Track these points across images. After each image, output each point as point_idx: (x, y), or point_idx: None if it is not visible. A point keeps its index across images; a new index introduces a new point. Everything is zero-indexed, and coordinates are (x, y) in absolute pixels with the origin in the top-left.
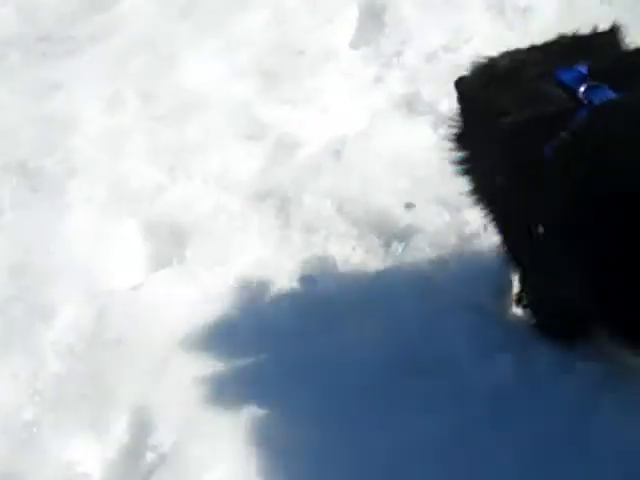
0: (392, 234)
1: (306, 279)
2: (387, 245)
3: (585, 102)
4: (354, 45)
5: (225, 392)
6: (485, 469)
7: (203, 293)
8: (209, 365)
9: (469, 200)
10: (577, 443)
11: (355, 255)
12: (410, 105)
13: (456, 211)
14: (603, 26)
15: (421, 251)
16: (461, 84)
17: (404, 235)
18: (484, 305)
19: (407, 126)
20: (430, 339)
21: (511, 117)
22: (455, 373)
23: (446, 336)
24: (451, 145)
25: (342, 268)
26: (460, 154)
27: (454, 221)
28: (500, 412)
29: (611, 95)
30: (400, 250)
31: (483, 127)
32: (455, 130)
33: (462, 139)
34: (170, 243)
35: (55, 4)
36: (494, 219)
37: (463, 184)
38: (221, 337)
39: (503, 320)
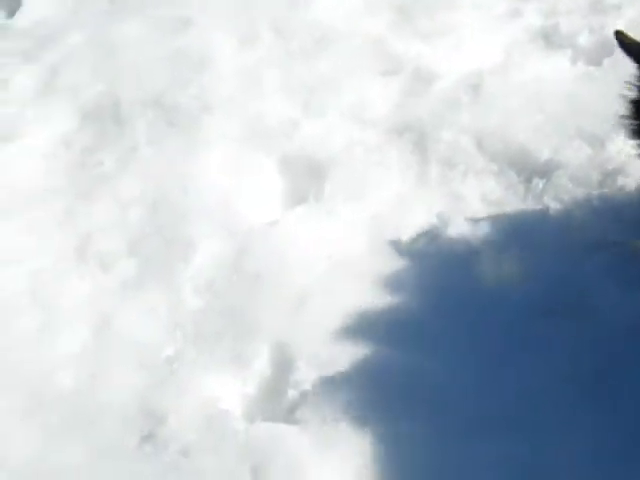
0: (532, 170)
1: (444, 215)
2: (527, 181)
3: None
4: None
5: (366, 332)
6: (632, 405)
7: (341, 229)
8: (349, 303)
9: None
10: None
11: (494, 191)
12: (548, 38)
13: (599, 146)
14: None
15: (563, 187)
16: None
17: (545, 171)
18: (626, 242)
19: (545, 59)
20: (571, 276)
21: None
22: (597, 311)
23: (587, 273)
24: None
25: (481, 204)
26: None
27: (596, 156)
28: None
29: None
30: (541, 186)
31: None
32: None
33: None
34: (307, 179)
35: None
36: None
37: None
38: (361, 275)
39: None
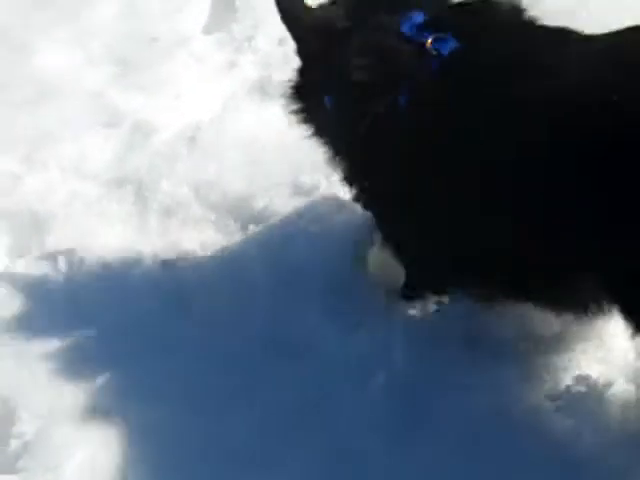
0: (249, 217)
1: (165, 263)
2: (244, 228)
3: (434, 53)
4: (207, 31)
5: (80, 379)
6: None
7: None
8: (63, 354)
9: (322, 184)
10: None
11: (212, 238)
12: (263, 89)
13: (310, 194)
14: None
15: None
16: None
17: (260, 219)
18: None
19: (260, 110)
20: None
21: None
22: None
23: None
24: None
25: (200, 251)
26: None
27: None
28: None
29: (456, 45)
30: (257, 232)
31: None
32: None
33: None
34: (29, 233)
35: None
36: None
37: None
38: (78, 323)
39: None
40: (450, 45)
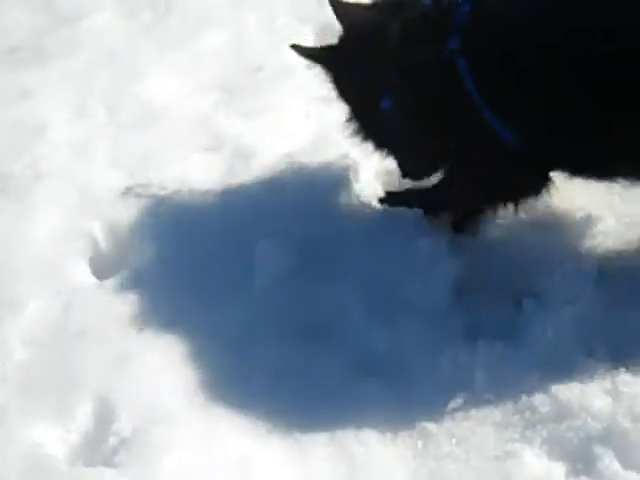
0: None
1: None
2: None
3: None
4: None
5: (177, 381)
6: None
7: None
8: (160, 356)
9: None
10: None
11: None
12: None
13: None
14: None
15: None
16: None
17: None
18: None
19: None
20: None
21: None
22: None
23: None
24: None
25: None
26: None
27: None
28: None
29: None
30: None
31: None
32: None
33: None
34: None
35: (25, 18)
36: None
37: None
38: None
39: None
40: None
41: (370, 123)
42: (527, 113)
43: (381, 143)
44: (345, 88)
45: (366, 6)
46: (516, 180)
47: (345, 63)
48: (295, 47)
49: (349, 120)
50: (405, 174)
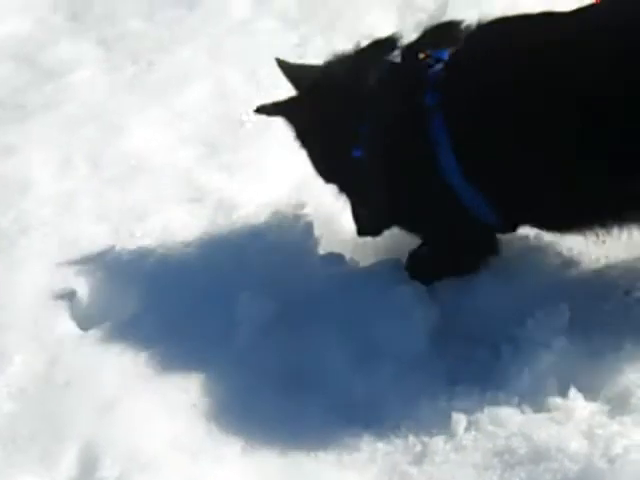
0: None
1: None
2: None
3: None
4: None
5: (161, 425)
6: None
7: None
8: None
9: None
10: None
11: None
12: None
13: None
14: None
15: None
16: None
17: None
18: None
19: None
20: None
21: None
22: None
23: None
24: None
25: None
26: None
27: None
28: None
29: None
30: None
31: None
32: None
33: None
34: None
35: (7, 74)
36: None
37: None
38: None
39: None
40: (445, 52)
41: (337, 173)
42: (504, 185)
43: (346, 192)
44: (311, 138)
45: (316, 66)
46: (483, 243)
47: (310, 115)
48: (259, 110)
49: (315, 169)
50: (360, 230)
